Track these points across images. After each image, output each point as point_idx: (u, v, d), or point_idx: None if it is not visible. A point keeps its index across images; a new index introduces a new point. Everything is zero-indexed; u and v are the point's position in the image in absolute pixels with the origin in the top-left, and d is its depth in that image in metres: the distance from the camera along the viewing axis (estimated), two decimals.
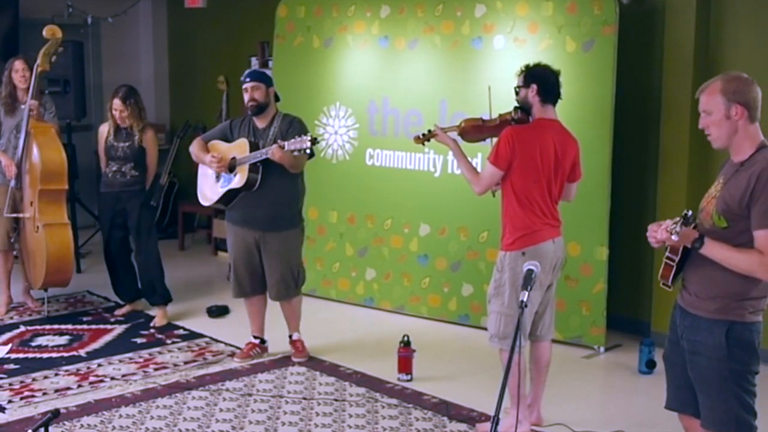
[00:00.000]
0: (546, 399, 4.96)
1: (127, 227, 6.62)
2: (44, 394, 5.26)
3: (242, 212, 5.64)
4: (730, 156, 3.44)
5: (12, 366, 5.71)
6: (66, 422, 4.83)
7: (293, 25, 7.40)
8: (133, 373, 5.62)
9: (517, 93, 4.77)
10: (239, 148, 5.56)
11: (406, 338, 5.58)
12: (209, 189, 5.74)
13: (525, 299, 3.63)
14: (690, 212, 3.35)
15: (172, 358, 5.92)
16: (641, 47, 6.26)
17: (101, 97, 8.91)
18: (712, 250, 3.32)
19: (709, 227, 3.38)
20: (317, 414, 5.03)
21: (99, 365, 5.76)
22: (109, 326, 6.56)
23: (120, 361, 5.83)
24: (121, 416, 4.96)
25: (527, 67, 4.76)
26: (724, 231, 3.34)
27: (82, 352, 5.98)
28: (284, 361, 5.85)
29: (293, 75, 7.22)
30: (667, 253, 3.48)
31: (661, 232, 3.32)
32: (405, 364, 5.53)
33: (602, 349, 6.13)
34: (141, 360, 5.87)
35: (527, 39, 6.24)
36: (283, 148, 5.30)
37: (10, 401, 5.13)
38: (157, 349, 6.09)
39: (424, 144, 5.29)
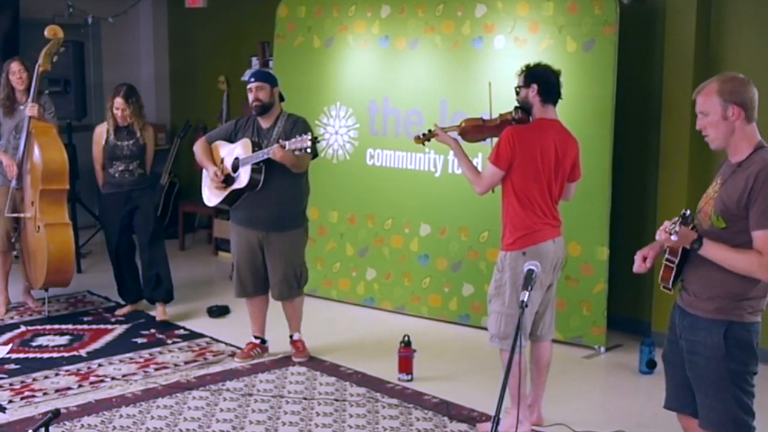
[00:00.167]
0: (546, 399, 4.96)
1: (132, 226, 6.62)
2: (45, 394, 5.26)
3: (246, 212, 5.64)
4: (728, 156, 3.44)
5: (12, 366, 5.71)
6: (66, 422, 4.83)
7: (294, 25, 7.40)
8: (134, 373, 5.62)
9: (517, 93, 4.77)
10: (242, 148, 5.57)
11: (406, 338, 5.58)
12: (214, 189, 5.74)
13: (525, 299, 3.63)
14: (688, 212, 3.35)
15: (173, 358, 5.92)
16: (642, 47, 6.26)
17: (102, 97, 8.91)
18: (711, 250, 3.32)
19: (707, 228, 3.38)
20: (318, 414, 5.03)
21: (99, 365, 5.76)
22: (109, 326, 6.56)
23: (120, 361, 5.83)
24: (121, 416, 4.96)
25: (528, 67, 4.76)
26: (722, 231, 3.34)
27: (82, 352, 5.98)
28: (285, 361, 5.85)
29: (294, 75, 7.23)
30: (666, 255, 3.48)
31: (660, 233, 3.32)
32: (405, 364, 5.53)
33: (603, 349, 6.13)
34: (141, 360, 5.87)
35: (528, 39, 6.24)
36: (284, 147, 5.31)
37: (10, 401, 5.14)
38: (158, 349, 6.09)
39: (424, 144, 5.28)
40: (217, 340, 6.26)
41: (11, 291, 6.98)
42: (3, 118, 6.64)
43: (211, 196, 5.77)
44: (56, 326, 6.52)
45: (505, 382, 3.47)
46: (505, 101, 4.99)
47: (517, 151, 4.57)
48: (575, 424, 4.87)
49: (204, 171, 5.82)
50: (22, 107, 6.63)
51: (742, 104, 3.32)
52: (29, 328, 6.48)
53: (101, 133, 6.58)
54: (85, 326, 6.55)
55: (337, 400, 5.23)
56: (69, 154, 6.67)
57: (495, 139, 4.91)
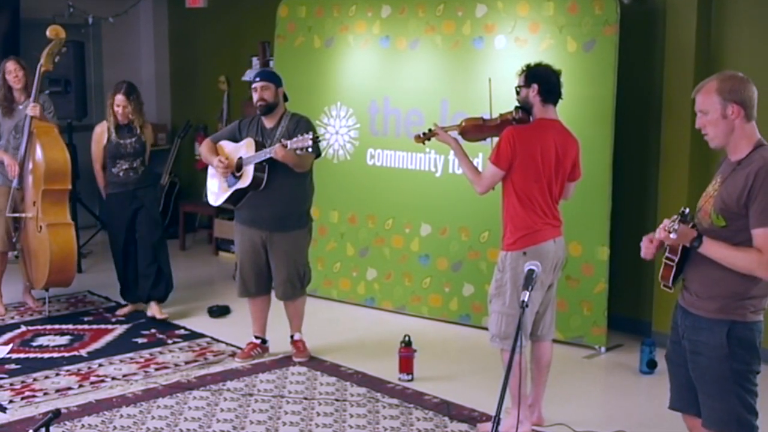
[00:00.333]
0: (547, 399, 4.96)
1: (135, 224, 6.62)
2: (45, 394, 5.26)
3: (250, 212, 5.65)
4: (727, 155, 3.44)
5: (13, 366, 5.71)
6: (67, 422, 4.83)
7: (294, 25, 7.40)
8: (134, 373, 5.62)
9: (518, 93, 4.77)
10: (246, 147, 5.58)
11: (407, 338, 5.58)
12: (218, 189, 5.75)
13: (526, 299, 3.63)
14: (687, 210, 3.35)
15: (173, 358, 5.92)
16: (642, 47, 6.26)
17: (102, 97, 8.91)
18: (711, 249, 3.32)
19: (707, 226, 3.38)
20: (318, 414, 5.03)
21: (100, 365, 5.76)
22: (110, 326, 6.56)
23: (121, 361, 5.83)
24: (122, 416, 4.96)
25: (528, 66, 4.76)
26: (722, 230, 3.33)
27: (83, 352, 5.98)
28: (285, 361, 5.85)
29: (294, 75, 7.22)
30: (666, 254, 3.47)
31: (659, 231, 3.32)
32: (406, 364, 5.53)
33: (603, 349, 6.12)
34: (142, 360, 5.87)
35: (528, 39, 6.24)
36: (285, 147, 5.31)
37: (11, 401, 5.14)
38: (158, 349, 6.09)
39: (424, 143, 5.28)
40: (218, 340, 6.26)
41: (11, 291, 6.99)
42: (2, 119, 6.64)
43: (216, 195, 5.77)
44: (57, 326, 6.52)
45: (506, 382, 3.46)
46: (506, 101, 4.99)
47: (518, 151, 4.57)
48: (576, 424, 4.86)
49: (208, 171, 5.83)
50: (21, 107, 6.63)
51: (742, 103, 3.32)
52: (30, 328, 6.48)
53: (101, 132, 6.57)
54: (86, 326, 6.55)
55: (337, 400, 5.23)
56: (70, 154, 6.67)
57: (495, 139, 4.91)
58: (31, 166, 6.54)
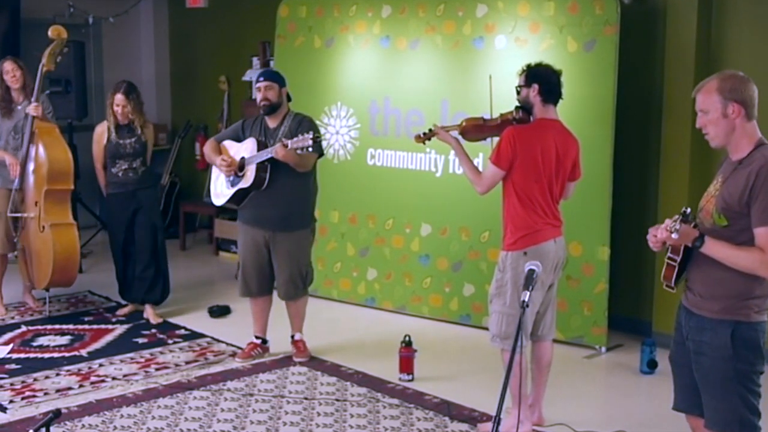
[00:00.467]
0: (547, 399, 4.96)
1: (135, 226, 6.61)
2: (45, 394, 5.26)
3: (253, 212, 5.65)
4: (728, 154, 3.43)
5: (13, 366, 5.71)
6: (67, 422, 4.83)
7: (294, 25, 7.40)
8: (135, 373, 5.62)
9: (518, 92, 4.77)
10: (248, 147, 5.58)
11: (407, 338, 5.58)
12: (221, 189, 5.76)
13: (526, 299, 3.63)
14: (689, 209, 3.34)
15: (174, 358, 5.92)
16: (642, 47, 6.26)
17: (102, 97, 8.91)
18: (713, 248, 3.31)
19: (709, 226, 3.37)
20: (318, 414, 5.03)
21: (100, 365, 5.76)
22: (110, 326, 6.56)
23: (121, 361, 5.83)
24: (122, 416, 4.96)
25: (529, 66, 4.75)
26: (724, 229, 3.32)
27: (83, 352, 5.98)
28: (285, 361, 5.85)
29: (295, 75, 7.21)
30: (668, 254, 3.46)
31: (660, 231, 3.31)
32: (406, 364, 5.53)
33: (603, 349, 6.12)
34: (142, 360, 5.87)
35: (528, 39, 6.24)
36: (286, 146, 5.32)
37: (11, 401, 5.13)
38: (159, 349, 6.09)
39: (424, 143, 5.28)
40: (218, 340, 6.26)
41: (11, 291, 6.99)
42: (1, 119, 6.62)
43: (219, 195, 5.78)
44: (57, 326, 6.52)
45: (506, 382, 3.46)
46: (506, 101, 4.99)
47: (518, 151, 4.57)
48: (576, 424, 4.86)
49: (213, 171, 5.83)
50: (19, 107, 6.63)
51: (742, 102, 3.32)
52: (30, 328, 6.48)
53: (102, 132, 6.56)
54: (86, 326, 6.55)
55: (338, 400, 5.23)
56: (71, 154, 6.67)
57: (495, 139, 4.91)
58: (33, 166, 6.53)
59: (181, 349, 6.11)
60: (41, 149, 6.46)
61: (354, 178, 7.09)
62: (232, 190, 5.64)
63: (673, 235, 3.25)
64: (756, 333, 3.35)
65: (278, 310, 5.94)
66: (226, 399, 5.22)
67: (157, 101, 9.96)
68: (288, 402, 5.20)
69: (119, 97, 6.41)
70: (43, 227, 6.45)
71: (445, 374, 5.68)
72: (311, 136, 5.22)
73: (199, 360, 5.88)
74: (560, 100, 4.74)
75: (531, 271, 3.75)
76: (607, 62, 5.93)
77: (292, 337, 5.92)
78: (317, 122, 7.04)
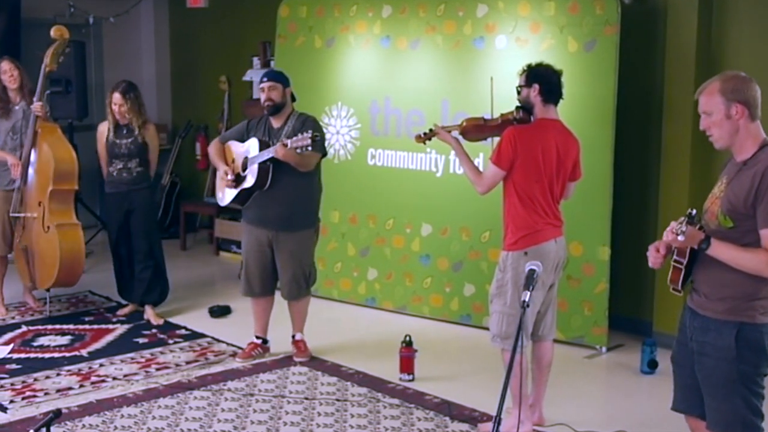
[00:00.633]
0: (548, 399, 4.96)
1: (130, 227, 6.60)
2: (46, 394, 5.26)
3: (257, 211, 5.66)
4: (733, 155, 3.41)
5: (14, 366, 5.71)
6: (68, 422, 4.83)
7: (295, 25, 7.40)
8: (135, 373, 5.62)
9: (519, 92, 4.77)
10: (251, 147, 5.59)
11: (407, 338, 5.58)
12: (225, 189, 5.76)
13: (527, 299, 3.63)
14: (694, 211, 3.31)
15: (174, 358, 5.92)
16: (643, 47, 6.25)
17: (103, 97, 8.89)
18: (719, 250, 3.28)
19: (714, 228, 3.35)
20: (319, 414, 5.03)
21: (101, 365, 5.76)
22: (110, 326, 6.56)
23: (122, 361, 5.83)
24: (122, 416, 4.96)
25: (529, 66, 4.75)
26: (730, 231, 3.31)
27: (83, 352, 5.98)
28: (286, 361, 5.84)
29: (295, 75, 7.15)
30: (674, 257, 3.44)
31: (666, 234, 3.28)
32: (407, 364, 5.53)
33: (604, 349, 6.12)
34: (143, 360, 5.87)
35: (529, 39, 6.24)
36: (286, 146, 5.32)
37: (12, 401, 5.13)
38: (159, 349, 6.09)
39: (425, 143, 5.28)
40: (219, 340, 6.26)
41: (11, 291, 6.99)
42: None
43: (224, 195, 5.79)
44: (57, 326, 6.52)
45: (507, 382, 3.46)
46: (507, 101, 4.99)
47: (519, 151, 4.57)
48: (576, 424, 4.86)
49: (218, 171, 5.84)
50: (17, 107, 6.62)
51: (746, 102, 3.30)
52: (30, 328, 6.48)
53: (103, 131, 6.56)
54: (87, 326, 6.55)
55: (338, 400, 5.23)
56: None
57: (496, 139, 4.91)
58: (35, 166, 6.53)
59: (181, 349, 6.11)
60: (46, 149, 6.46)
61: (354, 178, 7.09)
62: (236, 190, 5.65)
63: (679, 238, 3.22)
64: (761, 335, 3.32)
65: (279, 310, 5.94)
66: (226, 399, 5.22)
67: (158, 101, 9.96)
68: (288, 402, 5.20)
69: (116, 96, 6.40)
70: (48, 227, 6.45)
71: (445, 374, 5.68)
72: (310, 135, 5.22)
73: (200, 360, 5.88)
74: (561, 100, 4.74)
75: (531, 271, 3.75)
76: (608, 62, 5.93)
77: (293, 337, 5.92)
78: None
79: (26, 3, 8.75)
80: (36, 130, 6.49)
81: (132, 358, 5.90)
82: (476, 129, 5.04)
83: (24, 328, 6.45)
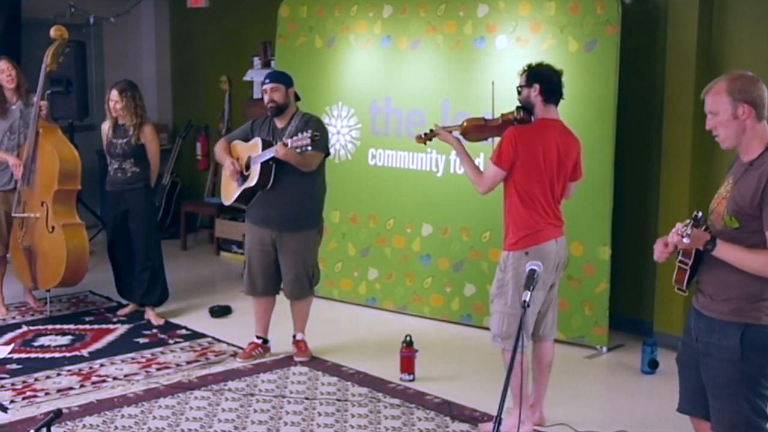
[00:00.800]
0: (548, 399, 4.96)
1: (127, 227, 6.59)
2: (46, 394, 5.26)
3: (260, 211, 5.66)
4: (739, 155, 3.39)
5: (14, 366, 5.71)
6: (68, 422, 4.83)
7: (295, 25, 7.40)
8: (136, 373, 5.62)
9: (519, 93, 4.77)
10: (253, 147, 5.60)
11: (408, 338, 5.58)
12: (230, 188, 5.77)
13: (528, 299, 3.63)
14: (700, 213, 3.29)
15: (175, 358, 5.92)
16: (644, 47, 6.25)
17: (103, 98, 8.91)
18: (725, 251, 3.27)
19: (720, 228, 3.34)
20: (319, 414, 5.03)
21: (101, 365, 5.76)
22: (111, 326, 6.56)
23: (122, 361, 5.83)
24: (123, 416, 4.96)
25: (530, 66, 4.75)
26: (735, 232, 3.29)
27: (84, 352, 5.98)
28: (286, 361, 5.84)
29: (295, 75, 7.11)
30: (679, 257, 3.43)
31: (672, 235, 3.27)
32: (407, 364, 5.53)
33: (605, 349, 6.12)
34: (143, 360, 5.87)
35: (530, 39, 6.24)
36: (286, 145, 5.32)
37: (12, 401, 5.13)
38: (160, 349, 6.09)
39: (425, 143, 5.28)
40: (219, 340, 6.26)
41: (12, 291, 6.98)
42: None
43: (228, 194, 5.79)
44: (58, 326, 6.52)
45: (507, 382, 3.46)
46: (507, 101, 4.99)
47: (520, 151, 4.57)
48: (577, 424, 4.86)
49: (224, 171, 5.84)
50: (14, 107, 6.62)
51: (752, 102, 3.27)
52: (31, 328, 6.48)
53: (105, 129, 6.57)
54: (87, 326, 6.55)
55: (339, 400, 5.23)
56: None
57: (497, 139, 4.91)
58: (37, 166, 6.52)
59: (182, 349, 6.11)
60: (50, 149, 6.46)
61: (355, 178, 7.09)
62: (239, 190, 5.66)
63: (685, 240, 3.21)
64: (766, 336, 3.30)
65: (279, 310, 5.94)
66: (227, 399, 5.22)
67: (158, 101, 9.96)
68: (289, 402, 5.20)
69: (113, 92, 6.39)
70: (53, 228, 6.45)
71: (446, 374, 5.67)
72: (309, 134, 5.22)
73: (200, 360, 5.88)
74: (561, 100, 4.74)
75: (532, 271, 3.76)
76: (608, 62, 5.93)
77: (294, 336, 5.92)
78: None
79: (26, 3, 8.75)
80: (37, 130, 6.48)
81: (132, 358, 5.90)
82: (477, 129, 5.03)
83: (24, 328, 6.45)
